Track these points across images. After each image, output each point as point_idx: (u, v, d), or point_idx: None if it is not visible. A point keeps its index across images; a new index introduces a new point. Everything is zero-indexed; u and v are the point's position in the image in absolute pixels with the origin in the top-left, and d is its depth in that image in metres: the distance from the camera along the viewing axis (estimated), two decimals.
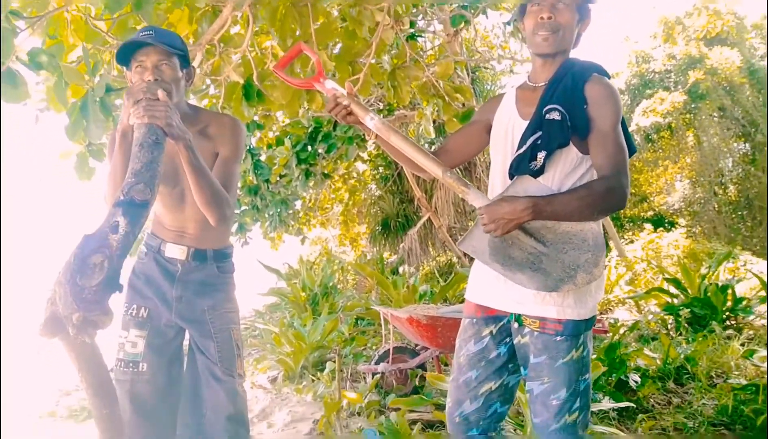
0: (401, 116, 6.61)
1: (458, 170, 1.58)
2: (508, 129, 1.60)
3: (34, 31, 1.94)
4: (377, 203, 10.38)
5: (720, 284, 5.09)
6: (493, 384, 1.61)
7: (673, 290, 5.26)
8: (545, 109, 1.49)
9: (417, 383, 3.56)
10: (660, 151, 12.10)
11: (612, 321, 5.33)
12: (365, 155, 9.43)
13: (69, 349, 1.12)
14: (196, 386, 1.83)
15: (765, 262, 7.07)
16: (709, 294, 4.90)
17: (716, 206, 11.69)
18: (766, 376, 3.32)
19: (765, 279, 5.32)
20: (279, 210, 7.39)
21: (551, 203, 1.40)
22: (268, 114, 4.76)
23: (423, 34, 5.34)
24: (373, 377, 3.54)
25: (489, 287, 1.60)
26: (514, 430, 2.63)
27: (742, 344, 4.11)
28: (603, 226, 1.54)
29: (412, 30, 4.29)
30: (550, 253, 1.45)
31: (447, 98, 3.52)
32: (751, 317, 4.82)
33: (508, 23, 3.66)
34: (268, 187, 6.98)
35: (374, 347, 4.74)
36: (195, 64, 2.57)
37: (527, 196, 1.41)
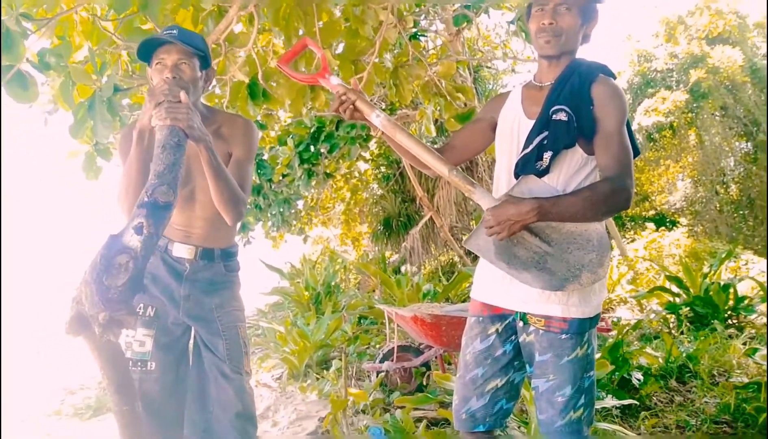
0: (403, 116, 6.62)
1: (460, 169, 1.58)
2: (514, 128, 1.61)
3: (43, 33, 1.96)
4: (379, 203, 10.39)
5: (722, 282, 5.10)
6: (499, 381, 1.62)
7: (675, 288, 5.27)
8: (552, 109, 1.50)
9: (422, 381, 3.58)
10: (662, 150, 12.11)
11: (615, 320, 5.34)
12: (367, 155, 9.43)
13: (93, 347, 1.14)
14: (203, 384, 1.84)
15: (765, 261, 7.07)
16: (710, 293, 4.91)
17: (718, 205, 11.69)
18: (767, 374, 3.33)
19: (764, 282, 5.33)
20: (282, 209, 7.40)
21: (556, 205, 1.41)
22: (270, 113, 4.76)
23: (425, 34, 5.34)
24: (377, 376, 3.56)
25: (494, 285, 1.62)
26: (518, 428, 2.64)
27: (744, 343, 4.12)
28: (605, 225, 1.55)
29: (414, 29, 4.29)
30: (554, 252, 1.46)
31: (449, 98, 3.52)
32: (753, 316, 4.83)
33: (512, 22, 3.66)
34: (270, 187, 7.00)
35: (378, 346, 4.76)
36: None
37: (532, 198, 1.42)
